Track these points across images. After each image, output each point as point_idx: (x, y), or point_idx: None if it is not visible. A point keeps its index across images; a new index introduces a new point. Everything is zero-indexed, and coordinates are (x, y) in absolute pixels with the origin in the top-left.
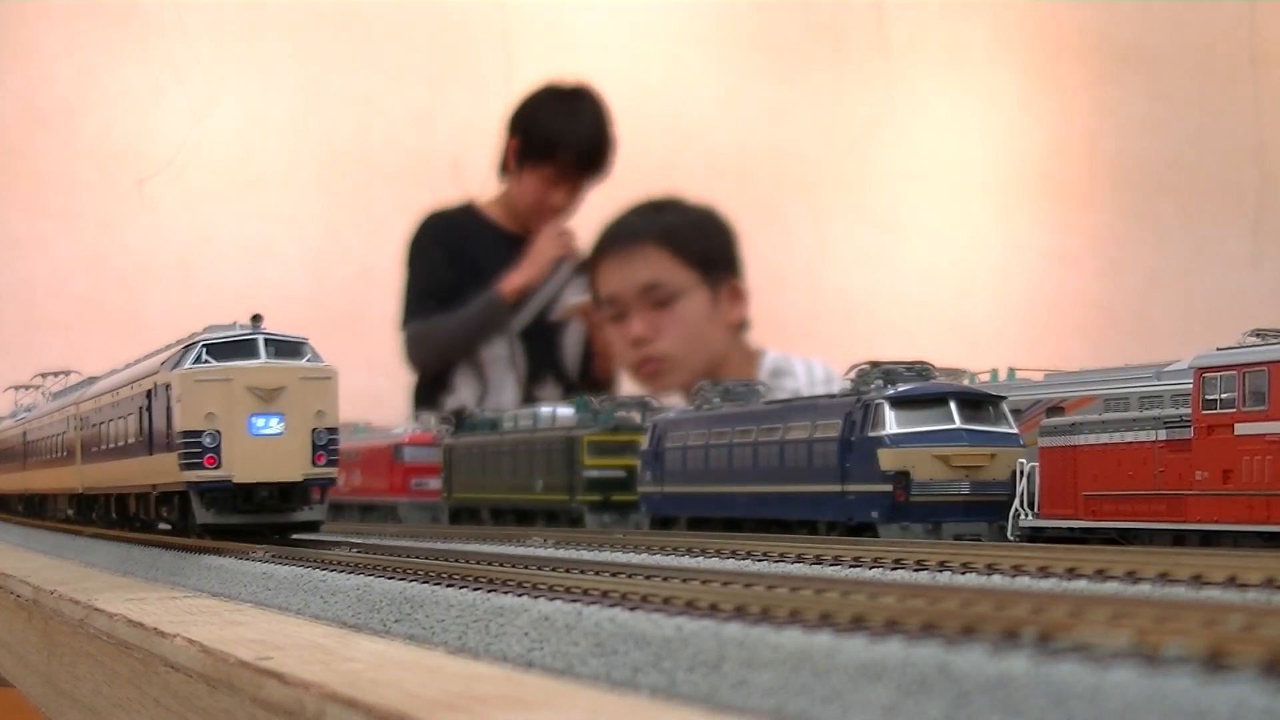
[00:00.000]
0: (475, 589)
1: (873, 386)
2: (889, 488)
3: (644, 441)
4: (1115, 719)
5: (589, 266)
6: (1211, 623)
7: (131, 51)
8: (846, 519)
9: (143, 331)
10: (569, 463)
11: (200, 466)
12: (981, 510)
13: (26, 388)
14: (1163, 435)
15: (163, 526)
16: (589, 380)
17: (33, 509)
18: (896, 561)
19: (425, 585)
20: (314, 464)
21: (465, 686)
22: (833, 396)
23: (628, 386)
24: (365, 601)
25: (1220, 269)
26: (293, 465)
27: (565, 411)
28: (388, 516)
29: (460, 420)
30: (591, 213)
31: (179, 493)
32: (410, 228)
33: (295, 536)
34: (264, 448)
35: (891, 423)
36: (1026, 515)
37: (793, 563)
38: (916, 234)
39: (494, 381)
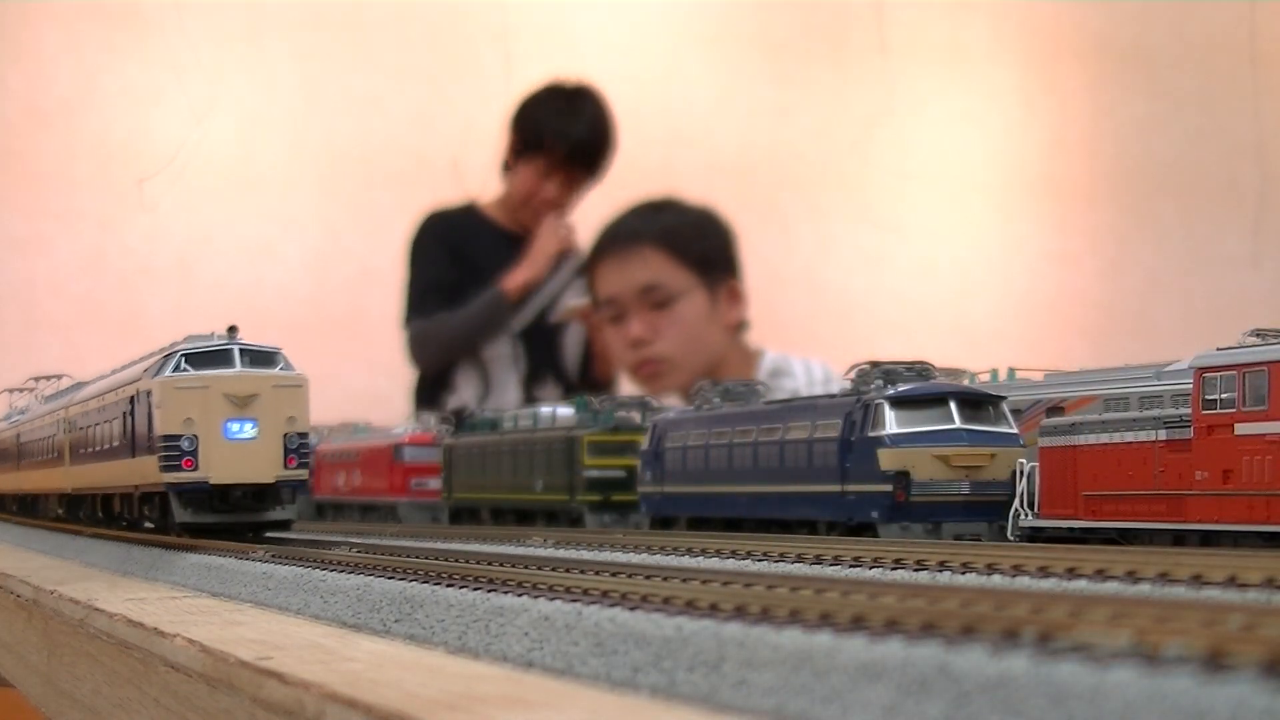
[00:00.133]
0: (475, 589)
1: (873, 386)
2: (889, 488)
3: (644, 441)
4: (1115, 719)
5: (588, 267)
6: (1211, 623)
7: (131, 51)
8: (846, 519)
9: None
10: (569, 463)
11: (179, 468)
12: (981, 510)
13: (21, 390)
14: (1163, 435)
15: (147, 525)
16: (589, 381)
17: (26, 508)
18: (896, 561)
19: (425, 585)
20: (286, 466)
21: (465, 686)
22: (833, 396)
23: (627, 388)
24: (365, 601)
25: (1220, 269)
26: (266, 467)
27: (565, 411)
28: (388, 516)
29: (460, 420)
30: (590, 214)
31: (159, 493)
32: (410, 228)
33: (292, 536)
34: (239, 451)
35: (891, 423)
36: (1026, 515)
37: (793, 563)
38: (916, 234)
39: (495, 381)
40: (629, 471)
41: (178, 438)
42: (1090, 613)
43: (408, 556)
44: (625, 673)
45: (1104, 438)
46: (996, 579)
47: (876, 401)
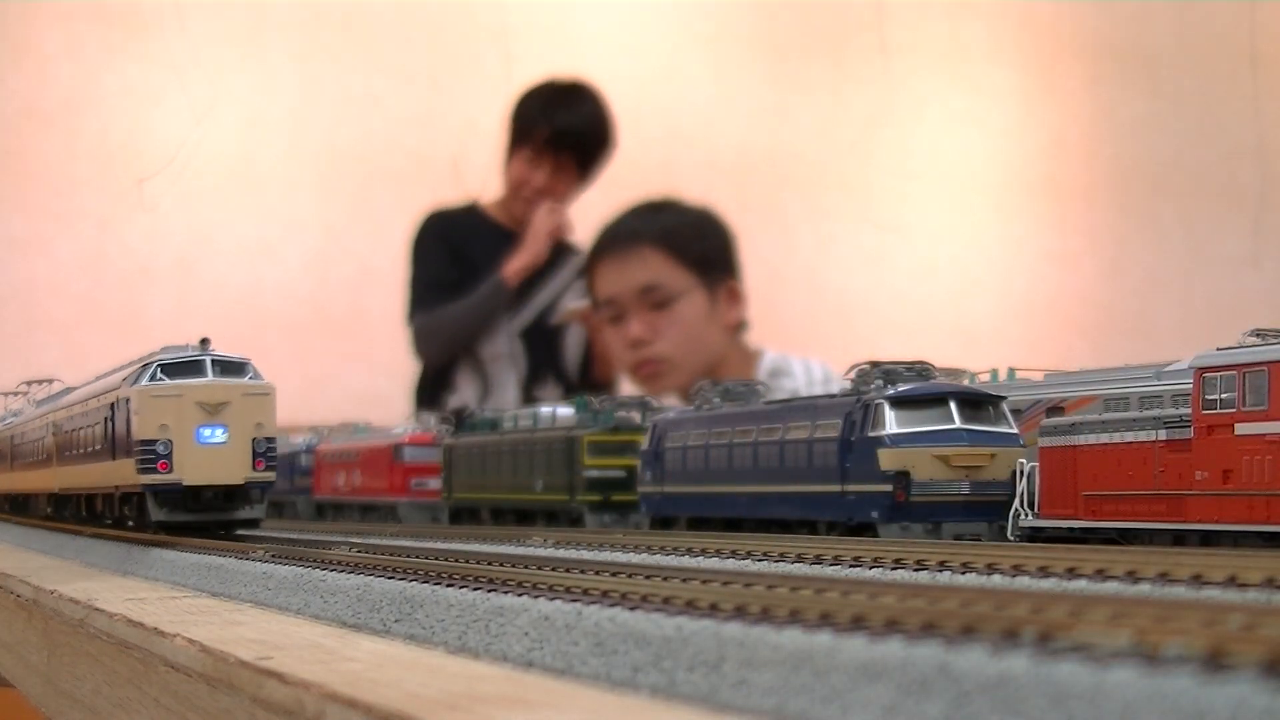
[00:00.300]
0: (475, 589)
1: (873, 386)
2: (889, 488)
3: (644, 441)
4: (1115, 719)
5: (587, 268)
6: (1211, 622)
7: (131, 51)
8: (846, 519)
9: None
10: (569, 463)
11: (155, 470)
12: (981, 510)
13: (15, 394)
14: (1163, 435)
15: (129, 524)
16: (589, 382)
17: (19, 508)
18: (896, 561)
19: (425, 585)
20: (254, 469)
21: (466, 686)
22: (833, 396)
23: (628, 388)
24: (365, 601)
25: (1220, 269)
26: (235, 470)
27: (565, 411)
28: (388, 516)
29: (460, 420)
30: (590, 214)
31: (137, 493)
32: (410, 227)
33: (293, 536)
34: (210, 455)
35: (891, 423)
36: (1026, 515)
37: (793, 563)
38: (917, 234)
39: (495, 381)
40: (629, 471)
41: (153, 442)
42: (1090, 613)
43: (408, 556)
44: (625, 673)
45: (1104, 438)
46: (996, 579)
47: (876, 401)
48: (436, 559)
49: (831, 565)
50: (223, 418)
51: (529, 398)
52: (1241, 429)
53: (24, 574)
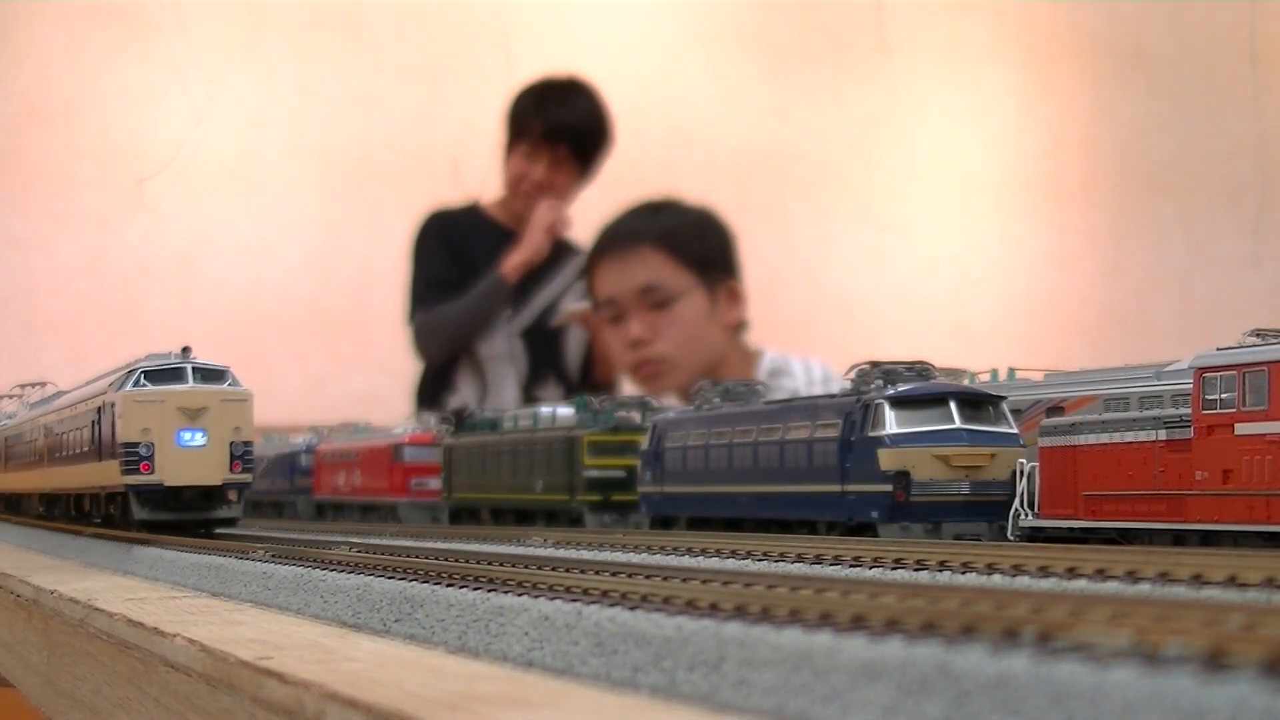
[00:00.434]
0: (475, 589)
1: (873, 386)
2: (889, 488)
3: (644, 441)
4: (1115, 718)
5: (587, 268)
6: (1211, 622)
7: (131, 51)
8: (846, 519)
9: (143, 331)
10: (569, 463)
11: (137, 472)
12: (981, 510)
13: (9, 396)
14: (1163, 435)
15: (116, 522)
16: (590, 382)
17: (12, 507)
18: (896, 561)
19: (425, 585)
20: (231, 471)
21: (466, 686)
22: (833, 396)
23: (628, 389)
24: (365, 601)
25: (1220, 269)
26: (213, 471)
27: (565, 411)
28: (388, 516)
29: (460, 420)
30: (590, 214)
31: (120, 493)
32: (410, 227)
33: (292, 536)
34: (190, 457)
35: (891, 423)
36: (1026, 515)
37: (793, 562)
38: (917, 233)
39: (494, 381)
40: (629, 471)
41: (136, 445)
42: (1090, 612)
43: (408, 556)
44: (625, 672)
45: (1104, 438)
46: (996, 579)
47: (876, 401)
48: (436, 559)
49: (831, 565)
50: (202, 422)
51: (530, 398)
52: (1241, 429)
53: (24, 574)
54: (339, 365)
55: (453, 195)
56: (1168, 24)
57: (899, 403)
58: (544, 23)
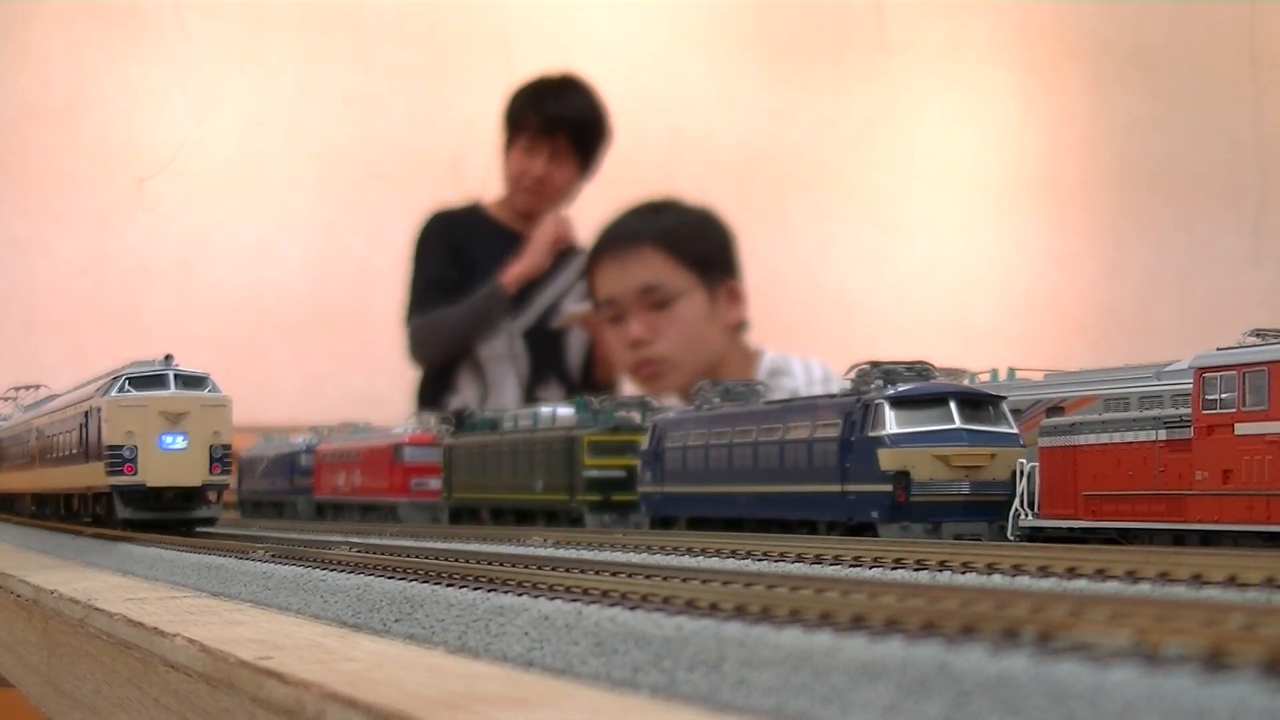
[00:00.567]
0: (475, 589)
1: (873, 386)
2: (889, 488)
3: (644, 441)
4: (1115, 718)
5: (587, 268)
6: (1211, 622)
7: (131, 51)
8: (846, 519)
9: (143, 331)
10: (569, 463)
11: (122, 473)
12: (981, 510)
13: (4, 399)
14: (1163, 435)
15: (104, 522)
16: (590, 383)
17: (6, 507)
18: (896, 561)
19: (425, 585)
20: (210, 473)
21: (466, 686)
22: (833, 396)
23: (628, 389)
24: (365, 601)
25: (1220, 269)
26: (193, 473)
27: (565, 411)
28: (388, 516)
29: (460, 420)
30: (590, 214)
31: (106, 493)
32: (410, 227)
33: (292, 536)
34: (171, 459)
35: (891, 423)
36: (1026, 515)
37: (793, 562)
38: (917, 233)
39: (494, 382)
40: (629, 471)
41: (120, 447)
42: (1090, 612)
43: (408, 556)
44: (625, 672)
45: (1104, 438)
46: (996, 579)
47: (876, 401)
48: (436, 559)
49: (831, 565)
50: (183, 426)
51: (531, 398)
52: (1241, 429)
53: (24, 574)
54: (339, 365)
55: (453, 195)
56: (1168, 24)
57: (899, 403)
58: (544, 22)
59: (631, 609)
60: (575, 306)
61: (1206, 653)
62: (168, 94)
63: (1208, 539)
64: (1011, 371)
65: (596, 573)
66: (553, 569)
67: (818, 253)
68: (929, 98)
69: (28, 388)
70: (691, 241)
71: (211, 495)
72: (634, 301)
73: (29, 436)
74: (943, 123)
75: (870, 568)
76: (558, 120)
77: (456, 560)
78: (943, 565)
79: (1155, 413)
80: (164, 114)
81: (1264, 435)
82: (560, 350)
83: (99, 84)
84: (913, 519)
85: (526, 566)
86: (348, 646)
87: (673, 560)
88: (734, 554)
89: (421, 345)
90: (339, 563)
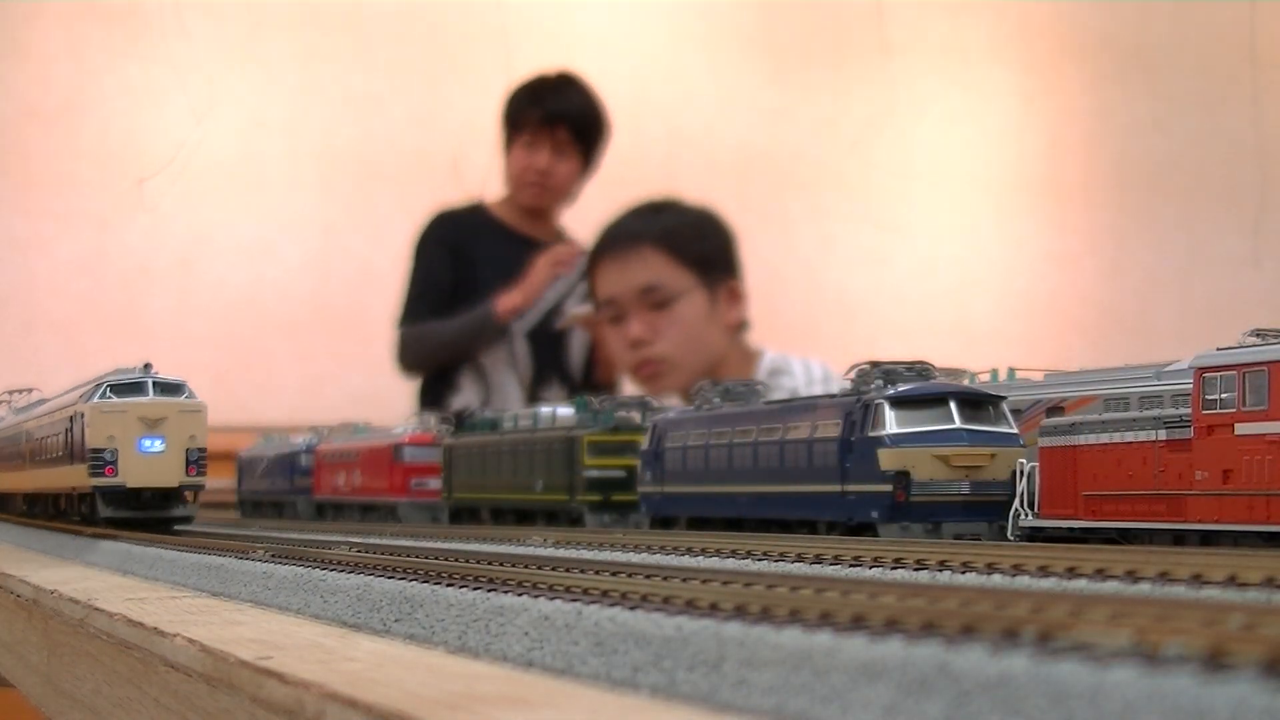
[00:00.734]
0: (475, 588)
1: (873, 386)
2: (889, 488)
3: (644, 441)
4: (1115, 718)
5: (588, 269)
6: (1211, 622)
7: (131, 51)
8: (846, 519)
9: (143, 331)
10: (569, 463)
11: (103, 474)
12: (981, 510)
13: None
14: (1163, 435)
15: (87, 520)
16: (591, 383)
17: (1, 506)
18: (896, 561)
19: (425, 585)
20: (187, 474)
21: (466, 686)
22: (833, 396)
23: (628, 389)
24: (365, 601)
25: (1220, 269)
26: (170, 475)
27: (565, 411)
28: (388, 516)
29: (460, 420)
30: (590, 214)
31: (88, 494)
32: (410, 227)
33: (291, 536)
34: (149, 462)
35: (891, 423)
36: (1026, 515)
37: (793, 562)
38: (917, 233)
39: (499, 382)
40: (629, 471)
41: (102, 450)
42: (1090, 612)
43: (408, 556)
44: (625, 672)
45: (1104, 438)
46: (996, 579)
47: (876, 401)
48: (436, 559)
49: (831, 565)
50: (161, 430)
51: (534, 399)
52: (1241, 429)
53: (24, 574)
54: (339, 365)
55: (453, 195)
56: (1168, 24)
57: (899, 403)
58: (544, 22)
59: (631, 609)
60: (578, 307)
61: (1206, 652)
62: (168, 94)
63: (1208, 539)
64: (1011, 371)
65: (596, 573)
66: (553, 569)
67: (818, 253)
68: (929, 98)
69: (21, 391)
70: (692, 241)
71: (188, 495)
72: (634, 302)
73: (21, 439)
74: (943, 123)
75: (870, 568)
76: (558, 115)
77: (456, 560)
78: (943, 565)
79: (1155, 413)
80: (164, 114)
81: (1264, 435)
82: (562, 351)
83: (99, 84)
84: (913, 519)
85: (526, 566)
86: (348, 646)
87: (673, 560)
88: (734, 554)
89: (408, 353)
90: (339, 563)
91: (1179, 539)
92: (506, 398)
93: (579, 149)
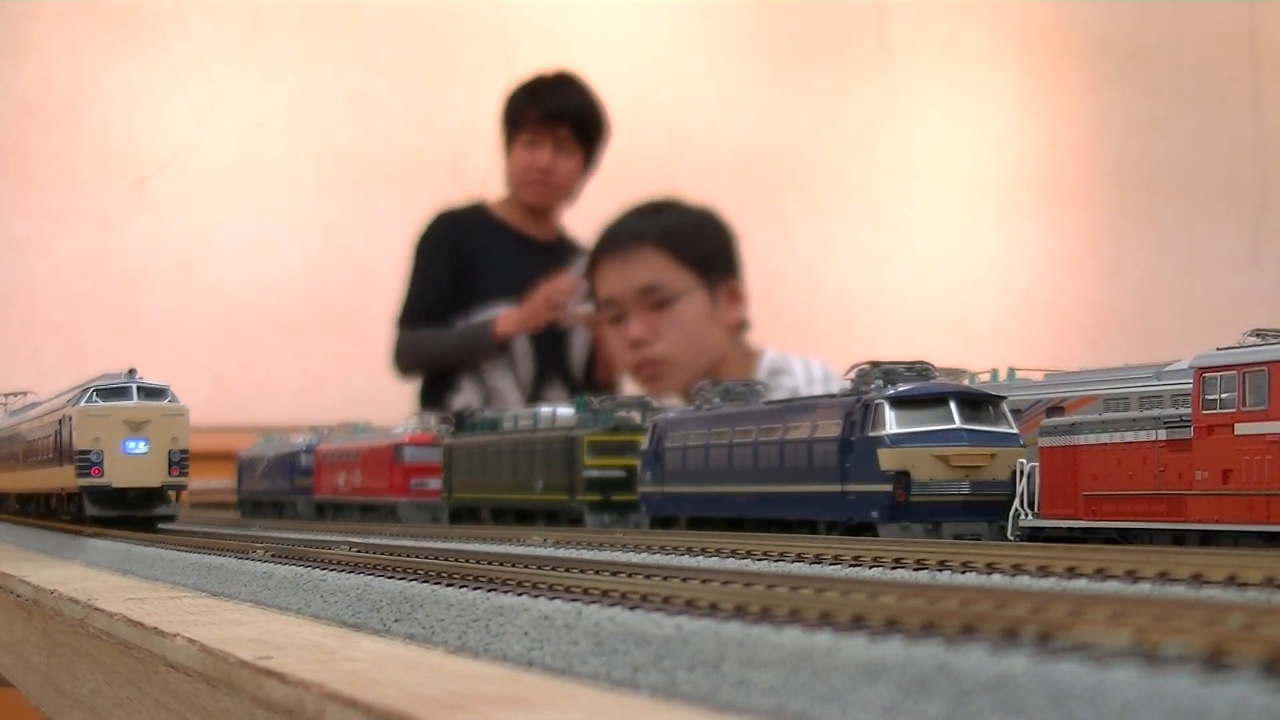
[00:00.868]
0: (475, 588)
1: (873, 386)
2: (889, 488)
3: (644, 441)
4: (1115, 718)
5: (588, 269)
6: (1211, 622)
7: (131, 51)
8: (846, 519)
9: (143, 331)
10: (569, 463)
11: (90, 475)
12: (981, 510)
13: None
14: (1163, 435)
15: (78, 518)
16: (592, 384)
17: None
18: (896, 561)
19: (425, 585)
20: (169, 475)
21: (466, 686)
22: (833, 396)
23: (629, 389)
24: (365, 601)
25: (1220, 269)
26: (154, 475)
27: (565, 411)
28: (388, 516)
29: (460, 420)
30: (590, 214)
31: (76, 493)
32: (410, 227)
33: (290, 535)
34: (133, 463)
35: (891, 423)
36: (1026, 515)
37: (793, 562)
38: (917, 233)
39: (500, 383)
40: (629, 471)
41: (89, 452)
42: (1090, 612)
43: (408, 556)
44: (625, 672)
45: (1104, 438)
46: (996, 578)
47: (876, 401)
48: (436, 559)
49: (831, 565)
50: (144, 433)
51: (535, 399)
52: (1241, 429)
53: (24, 574)
54: (339, 365)
55: (453, 195)
56: (1168, 24)
57: (899, 403)
58: (544, 22)
59: (631, 609)
60: (580, 307)
61: (1206, 652)
62: (168, 94)
63: (1208, 539)
64: (1011, 371)
65: (596, 573)
66: (553, 569)
67: (818, 253)
68: (929, 98)
69: (15, 394)
70: (692, 241)
71: (171, 494)
72: (634, 302)
73: (15, 441)
74: (943, 123)
75: (870, 568)
76: (558, 113)
77: (456, 560)
78: (943, 565)
79: (1155, 413)
80: (164, 114)
81: (1264, 435)
82: (564, 351)
83: (99, 84)
84: (913, 519)
85: (526, 566)
86: (348, 646)
87: (673, 560)
88: (734, 554)
89: (402, 357)
90: (339, 563)
91: (1179, 539)
92: (507, 398)
93: (580, 147)
